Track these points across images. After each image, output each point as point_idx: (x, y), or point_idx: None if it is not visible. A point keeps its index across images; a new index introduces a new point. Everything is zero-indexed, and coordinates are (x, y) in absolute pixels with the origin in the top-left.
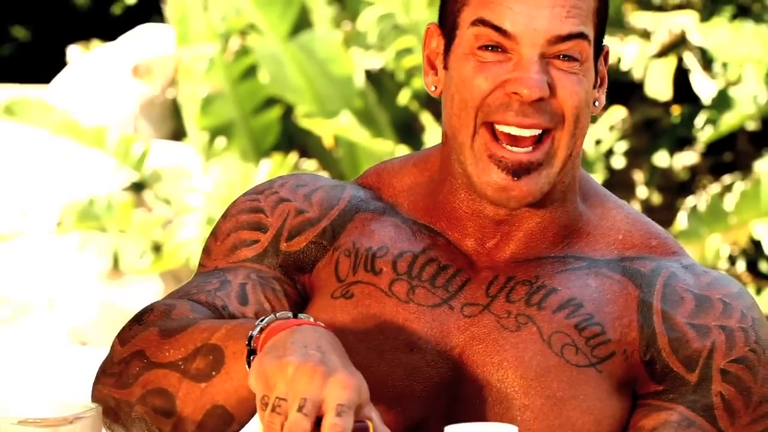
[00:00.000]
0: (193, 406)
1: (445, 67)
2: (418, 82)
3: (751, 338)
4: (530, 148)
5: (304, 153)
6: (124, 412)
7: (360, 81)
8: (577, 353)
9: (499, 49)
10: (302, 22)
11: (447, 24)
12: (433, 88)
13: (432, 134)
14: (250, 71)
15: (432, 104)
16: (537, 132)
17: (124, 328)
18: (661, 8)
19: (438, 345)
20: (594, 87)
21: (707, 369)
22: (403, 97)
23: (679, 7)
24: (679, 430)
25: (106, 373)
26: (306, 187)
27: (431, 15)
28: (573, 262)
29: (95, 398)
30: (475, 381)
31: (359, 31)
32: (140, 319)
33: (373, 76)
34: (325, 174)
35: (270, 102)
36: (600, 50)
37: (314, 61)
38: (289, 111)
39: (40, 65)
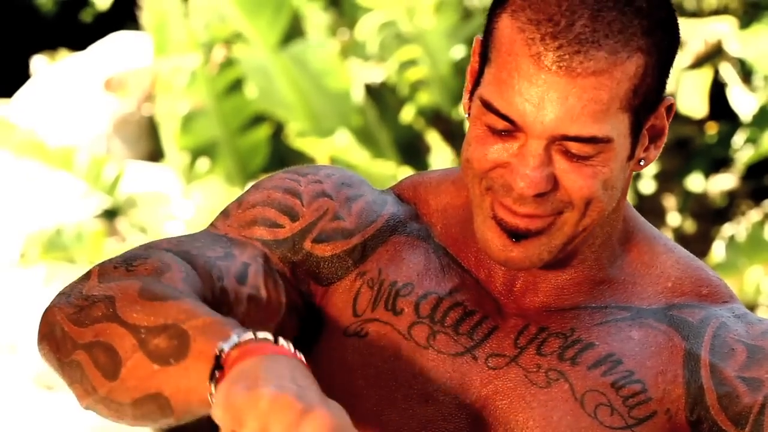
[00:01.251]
0: (137, 382)
1: (470, 99)
2: (423, 97)
3: None
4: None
5: None
6: (66, 348)
7: (358, 96)
8: (612, 414)
9: (508, 132)
10: (294, 31)
11: (483, 57)
12: (462, 110)
13: (438, 155)
14: (236, 85)
15: (439, 122)
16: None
17: (111, 261)
18: (695, 14)
19: (457, 397)
20: (632, 159)
21: (758, 426)
22: (407, 114)
23: (716, 12)
24: None
25: (68, 299)
26: (351, 188)
27: (438, 22)
28: (616, 312)
29: (45, 319)
30: None
31: (357, 40)
32: (131, 263)
33: (373, 91)
34: None
35: (258, 119)
36: (654, 109)
37: (307, 73)
38: (279, 129)
39: (1, 78)
